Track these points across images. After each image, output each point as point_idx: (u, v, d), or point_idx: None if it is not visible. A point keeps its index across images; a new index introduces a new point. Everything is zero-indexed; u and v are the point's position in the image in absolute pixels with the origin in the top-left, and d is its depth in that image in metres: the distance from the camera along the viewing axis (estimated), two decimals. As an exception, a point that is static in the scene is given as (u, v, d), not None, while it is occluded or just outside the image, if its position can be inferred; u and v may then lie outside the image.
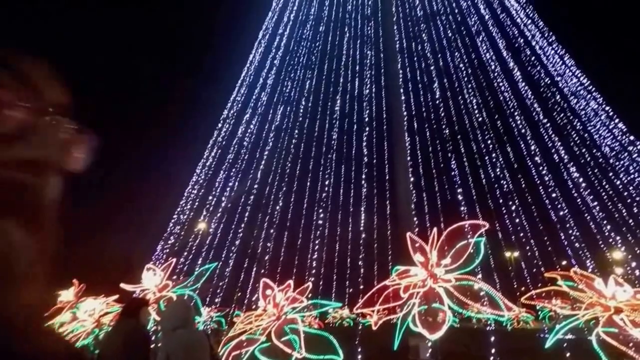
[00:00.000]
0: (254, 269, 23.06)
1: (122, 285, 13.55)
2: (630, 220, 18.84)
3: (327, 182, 23.64)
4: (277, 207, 25.20)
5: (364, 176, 23.68)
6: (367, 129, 25.10)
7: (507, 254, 24.13)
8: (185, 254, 24.00)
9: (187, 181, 25.39)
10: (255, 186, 25.40)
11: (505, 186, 20.56)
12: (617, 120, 20.10)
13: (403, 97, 25.06)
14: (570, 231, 19.63)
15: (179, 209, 25.36)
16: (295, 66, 26.47)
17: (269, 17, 27.22)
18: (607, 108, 20.36)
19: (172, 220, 24.89)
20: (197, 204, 25.40)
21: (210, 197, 25.50)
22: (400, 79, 25.34)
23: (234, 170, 25.61)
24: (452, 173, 21.76)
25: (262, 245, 24.90)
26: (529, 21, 23.77)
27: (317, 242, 23.86)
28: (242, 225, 25.32)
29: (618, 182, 19.41)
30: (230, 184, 25.45)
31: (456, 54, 24.39)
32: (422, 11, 25.97)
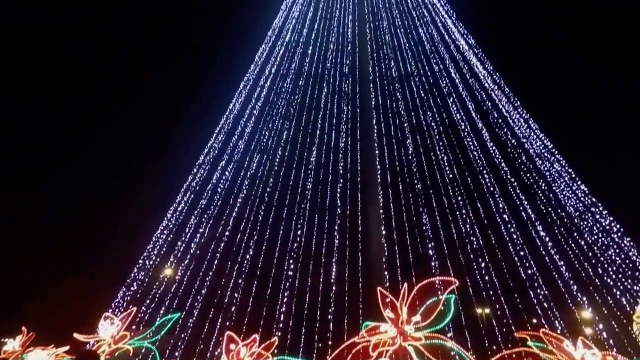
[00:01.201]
0: (220, 320, 21.89)
1: (76, 335, 12.48)
2: (597, 281, 18.93)
3: (299, 233, 23.12)
4: (248, 256, 24.35)
5: (336, 228, 23.32)
6: (341, 181, 25.03)
7: (479, 311, 23.69)
8: (148, 302, 22.82)
9: (156, 224, 24.47)
10: (227, 234, 24.64)
11: (476, 242, 20.53)
12: (579, 183, 20.68)
13: (377, 152, 25.37)
14: (539, 290, 19.55)
15: (145, 254, 24.30)
16: (274, 117, 26.59)
17: (251, 69, 27.59)
18: (570, 170, 20.99)
19: (137, 265, 23.76)
20: (164, 249, 24.46)
21: (180, 243, 24.62)
22: (375, 134, 25.76)
23: (205, 216, 24.90)
24: (424, 228, 21.67)
25: (230, 295, 23.80)
26: (496, 87, 24.80)
27: (286, 293, 23.05)
28: (210, 274, 24.27)
29: (583, 243, 19.67)
30: (201, 230, 24.65)
31: (428, 113, 24.98)
32: (397, 72, 26.79)
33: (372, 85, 26.52)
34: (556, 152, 21.49)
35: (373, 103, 26.15)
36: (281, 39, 27.46)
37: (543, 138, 21.91)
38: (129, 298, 22.67)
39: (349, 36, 27.63)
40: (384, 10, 27.71)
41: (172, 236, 24.67)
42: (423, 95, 25.11)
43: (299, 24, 27.76)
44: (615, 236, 19.76)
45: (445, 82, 24.81)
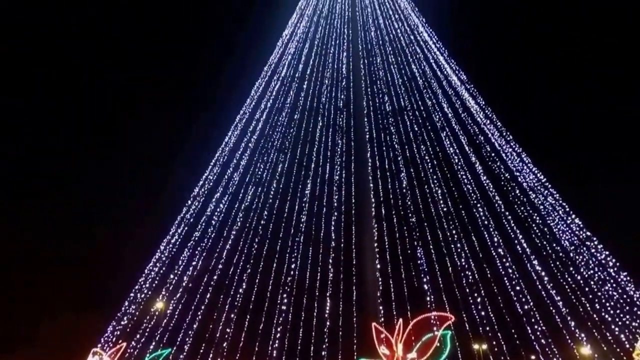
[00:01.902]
0: (211, 356, 21.09)
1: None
2: (594, 316, 18.50)
3: (292, 266, 22.64)
4: (240, 290, 23.73)
5: (330, 261, 22.87)
6: (335, 213, 24.77)
7: (476, 347, 22.99)
8: (138, 336, 22.06)
9: (147, 257, 23.95)
10: (219, 266, 24.10)
11: (471, 276, 20.14)
12: (573, 216, 20.54)
13: (371, 185, 25.27)
14: (536, 325, 19.08)
15: (136, 287, 23.66)
16: (268, 149, 26.55)
17: (246, 103, 27.74)
18: (563, 204, 20.87)
19: (128, 298, 23.08)
20: (156, 281, 23.86)
21: (172, 276, 24.03)
22: (370, 167, 25.73)
23: (198, 248, 24.42)
24: (419, 261, 21.30)
25: (221, 329, 23.06)
26: (488, 121, 24.99)
27: (279, 328, 22.37)
28: (202, 307, 23.59)
29: (579, 277, 19.35)
30: (194, 262, 24.12)
31: (422, 146, 25.03)
32: (390, 106, 27.01)
33: (366, 119, 26.68)
34: (549, 185, 21.50)
35: (367, 136, 26.26)
36: (277, 73, 27.80)
37: (536, 171, 21.95)
38: (118, 332, 21.98)
39: (344, 71, 28.03)
40: (377, 47, 28.27)
41: (164, 269, 24.15)
42: (416, 128, 25.26)
43: (295, 59, 28.20)
44: (612, 270, 19.48)
45: (438, 116, 25.02)
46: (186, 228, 24.58)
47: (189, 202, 25.13)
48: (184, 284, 23.70)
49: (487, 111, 24.68)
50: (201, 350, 22.33)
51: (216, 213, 24.72)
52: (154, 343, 21.37)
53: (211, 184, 25.02)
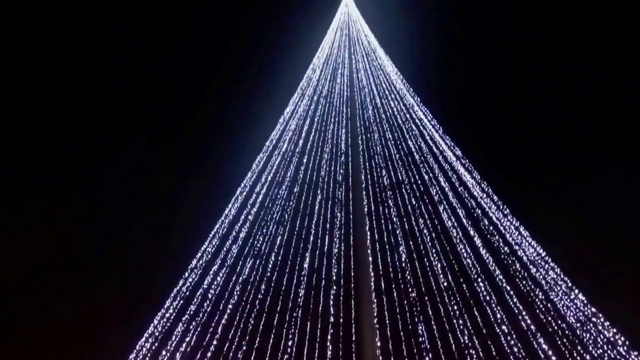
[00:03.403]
0: None
1: None
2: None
3: (289, 343, 21.50)
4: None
5: (329, 337, 21.73)
6: (334, 287, 24.02)
7: None
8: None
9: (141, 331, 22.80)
10: (214, 342, 22.90)
11: (475, 355, 18.95)
12: (577, 291, 19.79)
13: (370, 258, 24.75)
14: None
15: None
16: (268, 222, 26.37)
17: (247, 176, 28.04)
18: (565, 278, 20.22)
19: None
20: (148, 358, 22.56)
21: (164, 352, 22.79)
22: (368, 240, 25.35)
23: (193, 323, 23.37)
24: (420, 338, 20.18)
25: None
26: (484, 195, 25.05)
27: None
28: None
29: (589, 357, 18.18)
30: (187, 338, 22.96)
31: (420, 220, 24.84)
32: (388, 180, 27.24)
33: (364, 193, 26.80)
34: (549, 260, 20.98)
35: (365, 209, 26.19)
36: (278, 148, 28.41)
37: (535, 245, 21.57)
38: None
39: (342, 147, 28.63)
40: (374, 124, 29.14)
41: (156, 344, 22.98)
42: (414, 202, 25.24)
43: (295, 135, 28.97)
44: (622, 349, 18.35)
45: (435, 190, 25.12)
46: (181, 302, 23.79)
47: (186, 274, 24.53)
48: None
49: (483, 185, 24.87)
50: None
51: (213, 286, 24.02)
52: None
53: (209, 256, 24.56)
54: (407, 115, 28.85)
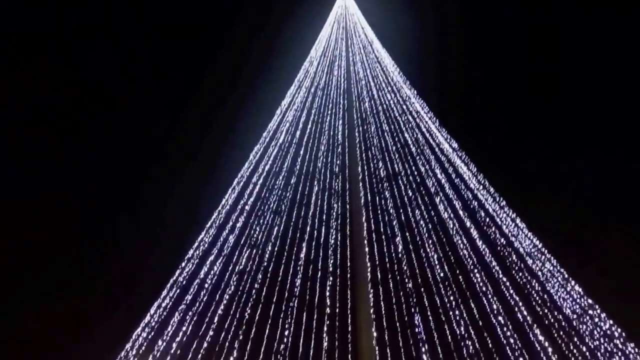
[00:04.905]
0: None
1: None
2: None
3: (286, 332, 21.01)
4: (231, 358, 21.88)
5: (325, 328, 21.28)
6: (330, 277, 23.55)
7: None
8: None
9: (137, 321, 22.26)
10: (210, 332, 22.38)
11: (471, 345, 18.52)
12: (573, 283, 19.38)
13: (367, 249, 24.30)
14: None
15: (122, 353, 21.81)
16: (265, 212, 25.83)
17: (244, 167, 27.43)
18: (562, 270, 19.80)
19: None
20: (143, 348, 22.06)
21: (160, 342, 22.28)
22: (365, 231, 24.89)
23: (189, 313, 22.85)
24: (416, 329, 19.75)
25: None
26: (480, 186, 24.59)
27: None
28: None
29: (585, 349, 17.79)
30: (184, 328, 22.44)
31: (417, 211, 24.36)
32: (385, 171, 26.73)
33: (360, 184, 26.30)
34: (546, 251, 20.54)
35: (362, 200, 25.71)
36: (275, 139, 27.80)
37: (531, 236, 21.13)
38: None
39: (339, 138, 28.05)
40: (371, 116, 28.55)
41: (152, 334, 22.48)
42: (410, 193, 24.76)
43: (292, 126, 28.33)
44: (618, 341, 17.95)
45: (431, 182, 24.63)
46: (178, 291, 23.26)
47: (182, 264, 23.98)
48: (172, 351, 21.99)
49: (479, 178, 24.40)
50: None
51: (209, 276, 23.50)
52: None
53: (206, 245, 24.00)
54: (404, 107, 28.29)
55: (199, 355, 21.74)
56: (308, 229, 24.75)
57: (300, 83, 31.36)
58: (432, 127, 27.12)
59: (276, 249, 23.93)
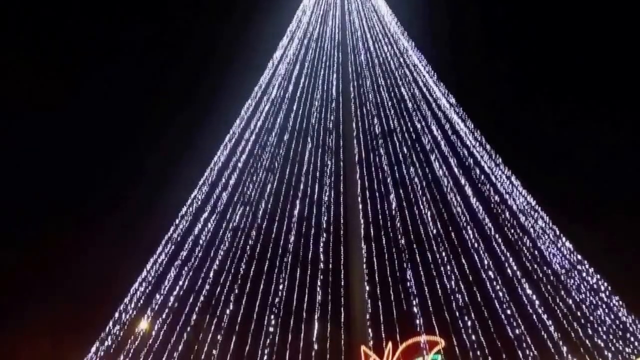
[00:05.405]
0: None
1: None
2: (587, 341, 17.32)
3: (280, 287, 21.27)
4: (227, 311, 22.26)
5: (319, 282, 21.56)
6: (324, 234, 23.58)
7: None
8: (122, 357, 20.54)
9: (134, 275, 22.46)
10: (206, 287, 22.65)
11: (461, 299, 18.91)
12: (564, 239, 19.55)
13: (360, 206, 24.20)
14: (528, 350, 17.88)
15: (121, 307, 22.14)
16: (257, 169, 25.40)
17: (236, 124, 26.65)
18: (553, 227, 19.90)
19: (112, 319, 21.55)
20: (141, 301, 22.40)
21: (157, 296, 22.59)
22: (359, 188, 24.68)
23: (185, 268, 23.01)
24: (408, 284, 20.05)
25: (207, 351, 21.58)
26: (477, 143, 24.17)
27: (266, 350, 20.93)
28: (188, 328, 22.10)
29: (571, 301, 18.23)
30: (180, 282, 22.69)
31: (411, 168, 24.04)
32: (380, 128, 26.10)
33: (355, 141, 25.75)
34: (539, 208, 20.55)
35: (356, 157, 25.28)
36: (267, 94, 26.81)
37: (525, 194, 21.04)
38: (102, 353, 20.46)
39: (333, 93, 27.13)
40: (367, 70, 27.45)
41: (149, 288, 22.74)
42: (405, 150, 24.32)
43: (285, 80, 27.24)
44: (603, 295, 18.39)
45: (427, 139, 24.14)
46: (173, 247, 23.30)
47: (177, 221, 23.86)
48: (169, 305, 22.34)
49: (475, 134, 23.93)
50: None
51: (204, 233, 23.45)
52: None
53: (199, 203, 23.76)
54: (401, 60, 27.14)
55: (196, 309, 22.19)
56: (302, 186, 24.48)
57: (293, 34, 29.78)
58: (429, 81, 26.19)
59: (270, 206, 23.76)
